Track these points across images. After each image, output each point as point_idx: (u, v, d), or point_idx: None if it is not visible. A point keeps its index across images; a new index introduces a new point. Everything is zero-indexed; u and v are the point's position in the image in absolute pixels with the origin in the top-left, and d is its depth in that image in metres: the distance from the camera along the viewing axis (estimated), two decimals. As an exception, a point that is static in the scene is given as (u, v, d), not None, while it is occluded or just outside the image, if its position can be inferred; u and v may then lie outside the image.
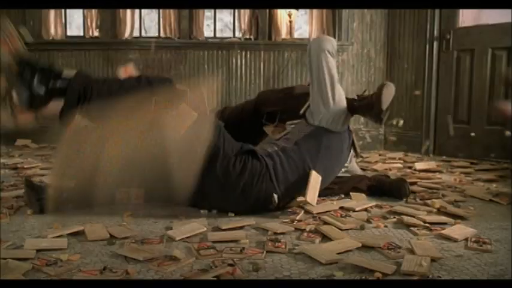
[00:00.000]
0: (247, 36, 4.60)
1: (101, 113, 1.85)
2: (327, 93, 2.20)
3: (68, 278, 1.37)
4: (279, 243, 1.64)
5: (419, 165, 3.32)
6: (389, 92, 2.28)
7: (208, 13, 4.85)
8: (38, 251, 1.56)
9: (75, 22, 5.04)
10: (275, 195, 2.02)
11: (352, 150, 2.39)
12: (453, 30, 3.97)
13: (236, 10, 4.67)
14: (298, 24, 4.97)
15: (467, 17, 3.96)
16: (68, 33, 4.73)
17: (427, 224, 1.93)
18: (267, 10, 4.57)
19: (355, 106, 2.31)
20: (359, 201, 2.30)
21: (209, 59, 4.55)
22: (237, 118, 2.45)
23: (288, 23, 4.59)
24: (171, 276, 1.39)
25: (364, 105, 2.30)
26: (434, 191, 2.58)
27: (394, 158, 3.80)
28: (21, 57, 1.89)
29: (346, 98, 2.31)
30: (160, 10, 4.62)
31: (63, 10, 4.62)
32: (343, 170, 2.44)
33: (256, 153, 2.05)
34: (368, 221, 1.99)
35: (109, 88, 1.92)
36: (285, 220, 1.97)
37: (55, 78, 1.85)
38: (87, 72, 1.97)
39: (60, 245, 1.61)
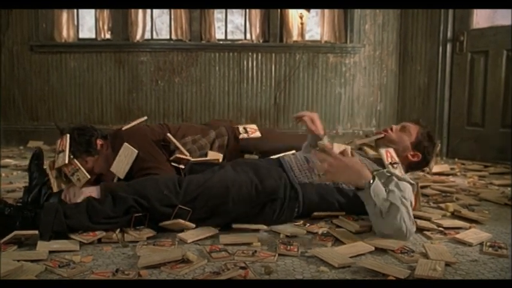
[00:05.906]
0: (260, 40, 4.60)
1: None
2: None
3: (81, 279, 1.37)
4: (291, 247, 1.63)
5: (432, 168, 3.28)
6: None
7: (219, 15, 4.86)
8: (50, 252, 1.56)
9: (87, 24, 5.07)
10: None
11: None
12: (467, 31, 3.92)
13: (247, 12, 4.66)
14: (309, 26, 4.95)
15: (481, 18, 3.91)
16: (80, 36, 4.77)
17: (441, 228, 1.90)
18: (278, 12, 4.56)
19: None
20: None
21: (220, 60, 4.56)
22: None
23: (300, 25, 4.58)
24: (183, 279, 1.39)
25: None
26: (448, 194, 2.55)
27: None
28: None
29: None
30: (172, 12, 4.63)
31: (75, 12, 4.65)
32: None
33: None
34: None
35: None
36: (297, 223, 1.96)
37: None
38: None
39: (72, 247, 1.62)
